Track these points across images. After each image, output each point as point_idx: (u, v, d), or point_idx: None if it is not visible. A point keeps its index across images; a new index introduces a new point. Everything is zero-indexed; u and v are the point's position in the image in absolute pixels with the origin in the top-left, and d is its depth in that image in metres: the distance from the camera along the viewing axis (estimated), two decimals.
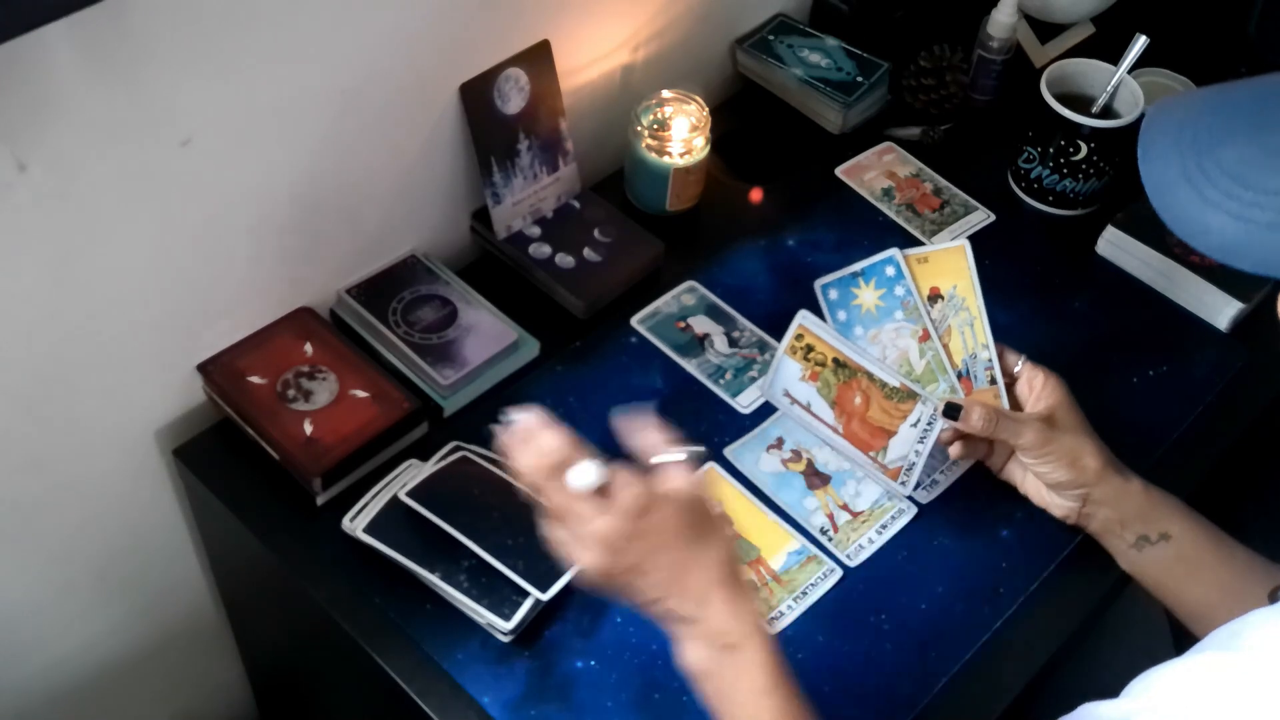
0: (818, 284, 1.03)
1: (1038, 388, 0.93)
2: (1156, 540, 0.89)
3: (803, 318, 0.97)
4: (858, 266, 1.01)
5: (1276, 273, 0.64)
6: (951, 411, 0.90)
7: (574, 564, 0.73)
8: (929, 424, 0.93)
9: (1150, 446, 1.01)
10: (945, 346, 0.97)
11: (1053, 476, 0.90)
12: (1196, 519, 0.89)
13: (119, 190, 0.82)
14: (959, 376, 0.96)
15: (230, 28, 0.81)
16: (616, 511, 0.70)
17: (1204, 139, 0.64)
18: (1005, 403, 0.95)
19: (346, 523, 0.90)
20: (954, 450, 0.94)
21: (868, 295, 1.00)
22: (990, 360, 0.96)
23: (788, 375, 0.99)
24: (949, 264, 0.98)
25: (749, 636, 0.72)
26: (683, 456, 0.73)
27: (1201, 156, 0.64)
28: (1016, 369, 0.95)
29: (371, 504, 0.91)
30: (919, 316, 0.98)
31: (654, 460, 0.73)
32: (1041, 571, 0.94)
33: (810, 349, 0.97)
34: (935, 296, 0.98)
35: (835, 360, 0.96)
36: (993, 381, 0.95)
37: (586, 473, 0.71)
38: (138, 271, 0.87)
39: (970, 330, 0.97)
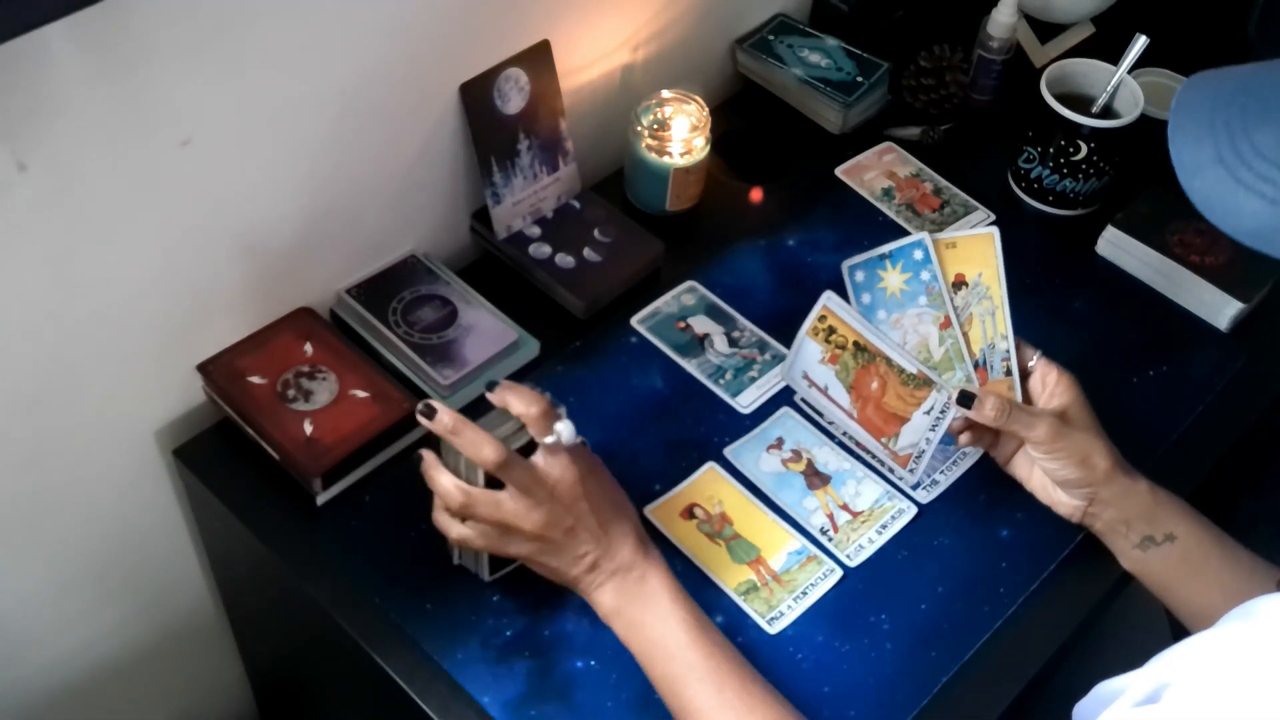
0: (845, 265, 1.03)
1: (1051, 384, 0.93)
2: (1161, 541, 0.89)
3: (827, 299, 0.97)
4: (886, 249, 1.01)
5: None
6: (965, 400, 0.90)
7: (512, 545, 0.82)
8: (941, 412, 0.93)
9: (1150, 446, 1.01)
10: (965, 335, 0.97)
11: (1061, 474, 0.90)
12: (1201, 521, 0.89)
13: (119, 190, 0.82)
14: (975, 366, 0.96)
15: (230, 28, 0.81)
16: (544, 507, 0.80)
17: (1238, 121, 0.63)
18: (1019, 395, 0.95)
19: None
20: (962, 439, 0.94)
21: (893, 279, 1.00)
22: (1008, 351, 0.96)
23: (808, 357, 0.99)
24: (976, 251, 0.98)
25: (652, 566, 0.82)
26: (565, 431, 0.82)
27: (1236, 138, 0.62)
28: (1031, 364, 0.95)
29: None
30: (942, 303, 0.98)
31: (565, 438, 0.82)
32: (1041, 571, 0.94)
33: (832, 331, 0.97)
34: (960, 283, 0.98)
35: (856, 344, 0.96)
36: (1008, 373, 0.95)
37: (568, 428, 0.81)
38: (137, 271, 0.87)
39: (991, 320, 0.97)
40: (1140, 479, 0.90)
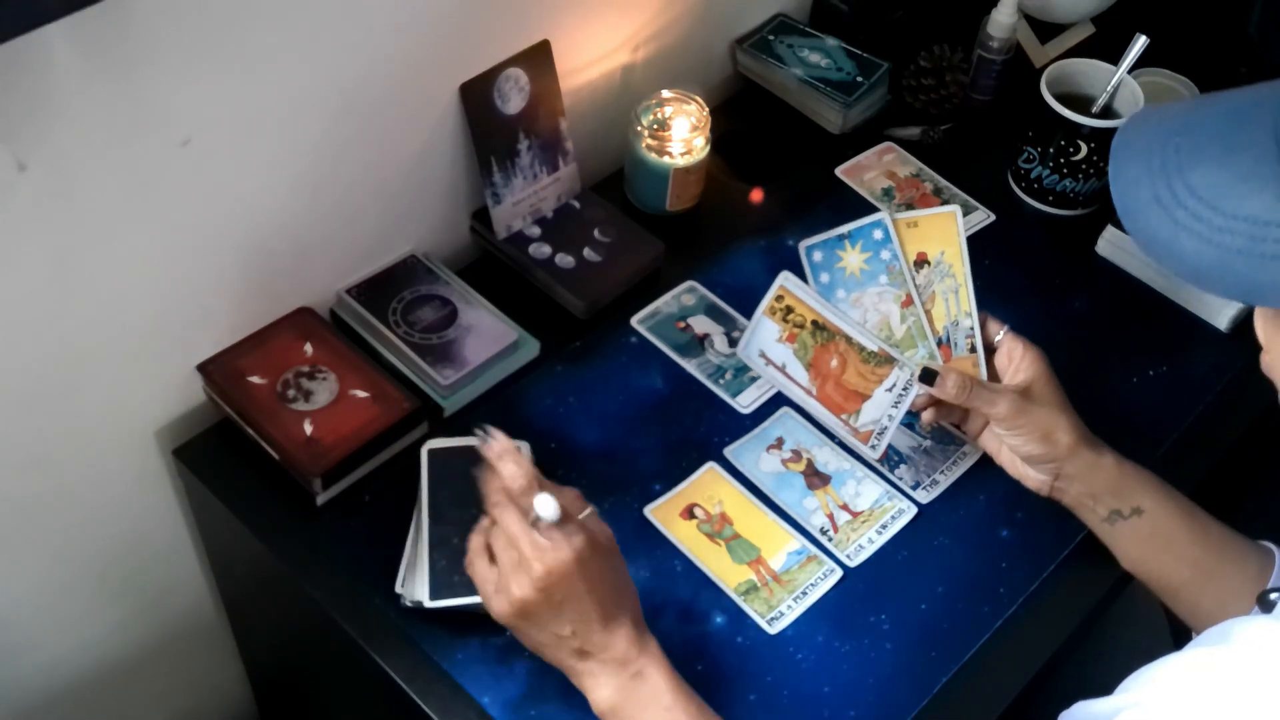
0: (802, 245, 1.02)
1: (1017, 359, 0.93)
2: (1129, 515, 0.89)
3: (784, 279, 0.98)
4: (844, 229, 1.01)
5: (1249, 299, 0.63)
6: (927, 377, 0.91)
7: (495, 598, 0.76)
8: (904, 389, 0.94)
9: (1150, 446, 1.01)
10: (928, 312, 0.97)
11: (1025, 449, 0.90)
12: (1170, 494, 0.89)
13: (119, 190, 0.82)
14: (939, 343, 0.97)
15: (230, 28, 0.81)
16: (548, 565, 0.73)
17: (1173, 161, 0.63)
18: (984, 372, 0.95)
19: None
20: (926, 416, 0.95)
21: (853, 258, 1.00)
22: (972, 328, 0.96)
23: (765, 336, 1.00)
24: (938, 229, 0.98)
25: (650, 661, 0.77)
26: (543, 510, 0.75)
27: (1171, 179, 0.63)
28: (998, 338, 0.95)
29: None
30: (903, 281, 0.98)
31: (542, 516, 0.75)
32: (1041, 571, 0.94)
33: (790, 310, 0.98)
34: (922, 262, 0.98)
35: (814, 322, 0.97)
36: (972, 350, 0.96)
37: (549, 505, 0.74)
38: (137, 271, 0.87)
39: (955, 297, 0.97)
40: (1107, 453, 0.90)
